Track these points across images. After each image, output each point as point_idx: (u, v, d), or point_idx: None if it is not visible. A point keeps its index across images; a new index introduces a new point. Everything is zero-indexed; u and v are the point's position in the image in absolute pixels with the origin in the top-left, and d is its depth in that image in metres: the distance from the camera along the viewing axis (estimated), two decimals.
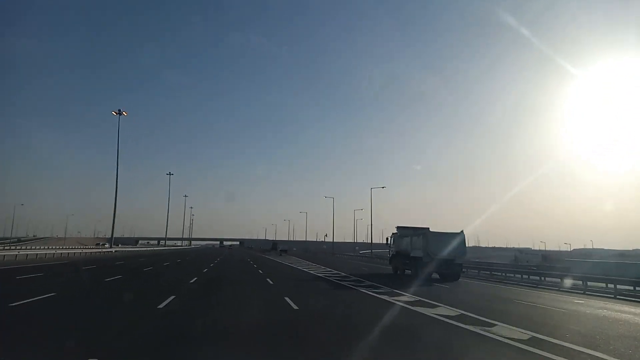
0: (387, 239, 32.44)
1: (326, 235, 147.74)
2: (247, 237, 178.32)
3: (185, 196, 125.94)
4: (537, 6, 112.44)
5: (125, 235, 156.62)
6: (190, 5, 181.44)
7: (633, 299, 17.83)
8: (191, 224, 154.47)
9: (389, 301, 13.53)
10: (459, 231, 25.55)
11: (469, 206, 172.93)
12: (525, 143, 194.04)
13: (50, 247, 48.38)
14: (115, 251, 59.57)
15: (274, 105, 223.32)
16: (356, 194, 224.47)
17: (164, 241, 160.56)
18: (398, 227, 30.34)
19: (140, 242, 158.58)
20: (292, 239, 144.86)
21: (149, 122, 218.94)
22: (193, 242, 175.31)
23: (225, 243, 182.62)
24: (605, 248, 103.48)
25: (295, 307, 11.35)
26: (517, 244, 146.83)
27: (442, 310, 11.59)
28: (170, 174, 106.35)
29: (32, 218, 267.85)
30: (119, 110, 59.62)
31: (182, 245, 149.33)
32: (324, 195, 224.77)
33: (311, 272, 27.91)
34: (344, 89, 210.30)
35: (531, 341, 8.03)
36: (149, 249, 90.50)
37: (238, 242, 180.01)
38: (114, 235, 73.21)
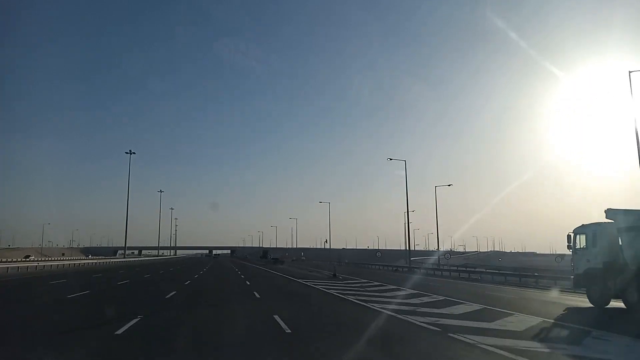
0: (569, 237, 16.71)
1: (326, 240, 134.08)
2: (239, 244, 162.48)
3: (161, 191, 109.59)
4: (523, 10, 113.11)
5: (103, 245, 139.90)
6: (176, 14, 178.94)
7: None
8: (175, 231, 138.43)
9: None
10: None
11: (455, 212, 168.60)
12: (513, 146, 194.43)
13: None
14: None
15: (262, 112, 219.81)
16: (346, 200, 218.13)
17: (150, 250, 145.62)
18: (611, 211, 14.65)
19: (119, 252, 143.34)
20: (291, 247, 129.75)
21: (134, 130, 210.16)
22: (181, 251, 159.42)
23: (215, 252, 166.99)
24: None
25: None
26: (511, 247, 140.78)
27: None
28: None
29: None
30: None
31: (157, 255, 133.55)
32: (319, 200, 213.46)
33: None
34: (330, 96, 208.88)
35: None
36: (112, 260, 70.28)
37: (229, 251, 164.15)
38: (91, 245, 61.22)
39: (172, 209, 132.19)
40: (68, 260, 53.46)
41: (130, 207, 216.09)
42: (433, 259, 49.47)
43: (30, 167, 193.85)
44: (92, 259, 62.65)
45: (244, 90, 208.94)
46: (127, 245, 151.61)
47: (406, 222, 52.67)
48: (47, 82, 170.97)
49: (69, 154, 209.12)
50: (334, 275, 29.79)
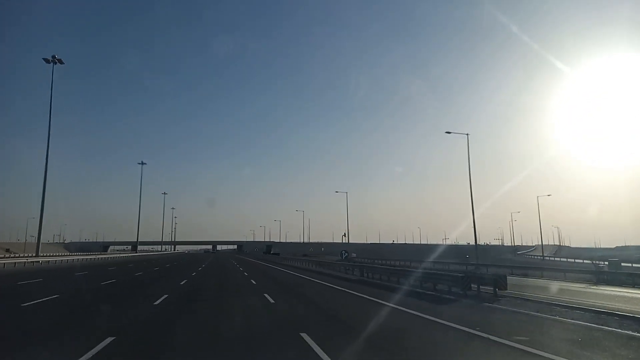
0: None
1: (344, 234, 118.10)
2: (248, 239, 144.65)
3: (142, 163, 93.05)
4: (526, 5, 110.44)
5: (90, 240, 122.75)
6: (174, 12, 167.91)
7: None
8: (174, 224, 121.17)
9: None
10: None
11: (457, 207, 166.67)
12: (516, 142, 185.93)
13: None
14: None
15: (262, 109, 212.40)
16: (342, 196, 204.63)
17: (150, 246, 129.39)
18: None
19: (111, 247, 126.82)
20: (307, 241, 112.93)
21: (135, 127, 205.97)
22: (182, 247, 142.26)
23: (218, 247, 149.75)
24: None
25: None
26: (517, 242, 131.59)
27: None
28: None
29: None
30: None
31: (136, 251, 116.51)
32: (317, 196, 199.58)
33: None
34: (331, 94, 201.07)
35: None
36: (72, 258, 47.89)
37: (235, 246, 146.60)
38: (79, 240, 46.60)
39: (164, 193, 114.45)
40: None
41: (129, 203, 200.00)
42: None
43: (20, 163, 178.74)
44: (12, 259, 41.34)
45: (245, 87, 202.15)
46: (118, 241, 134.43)
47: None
48: (42, 81, 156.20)
49: (65, 153, 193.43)
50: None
